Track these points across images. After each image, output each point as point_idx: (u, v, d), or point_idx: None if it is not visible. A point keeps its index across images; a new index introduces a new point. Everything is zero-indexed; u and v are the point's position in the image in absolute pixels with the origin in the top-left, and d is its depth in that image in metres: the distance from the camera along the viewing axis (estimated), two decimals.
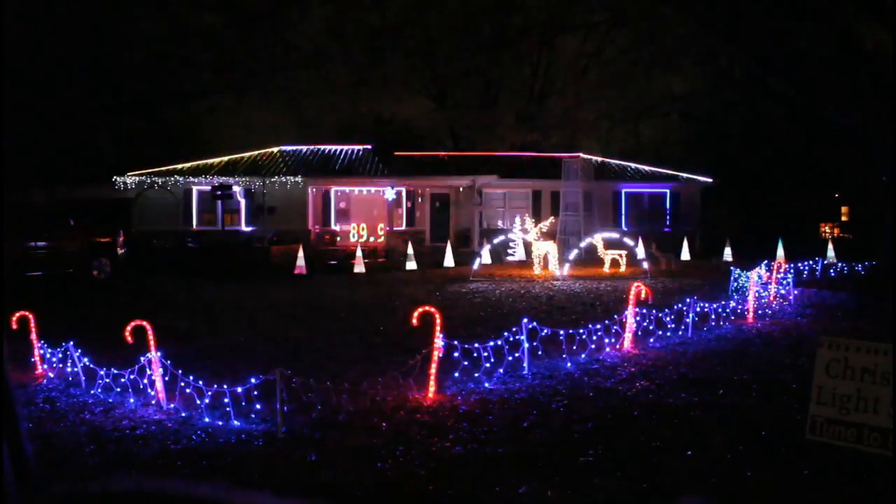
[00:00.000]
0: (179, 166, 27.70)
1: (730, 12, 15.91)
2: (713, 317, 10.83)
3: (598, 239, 19.92)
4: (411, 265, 20.68)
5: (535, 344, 8.24)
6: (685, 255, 24.13)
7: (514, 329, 8.08)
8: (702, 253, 25.63)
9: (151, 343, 6.88)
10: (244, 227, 26.68)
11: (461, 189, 27.94)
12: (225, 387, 6.30)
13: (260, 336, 10.50)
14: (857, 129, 17.40)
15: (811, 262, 17.32)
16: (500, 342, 7.87)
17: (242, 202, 26.69)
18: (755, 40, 16.03)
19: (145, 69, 20.87)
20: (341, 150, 30.30)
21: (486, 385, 7.35)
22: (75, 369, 7.64)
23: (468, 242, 26.88)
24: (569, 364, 8.25)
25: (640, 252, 19.48)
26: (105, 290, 16.59)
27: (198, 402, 6.42)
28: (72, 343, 7.77)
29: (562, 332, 8.48)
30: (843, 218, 38.18)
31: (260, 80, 25.09)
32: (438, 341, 7.08)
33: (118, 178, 26.43)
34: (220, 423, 6.16)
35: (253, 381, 6.29)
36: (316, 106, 34.47)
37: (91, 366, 7.44)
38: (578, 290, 15.51)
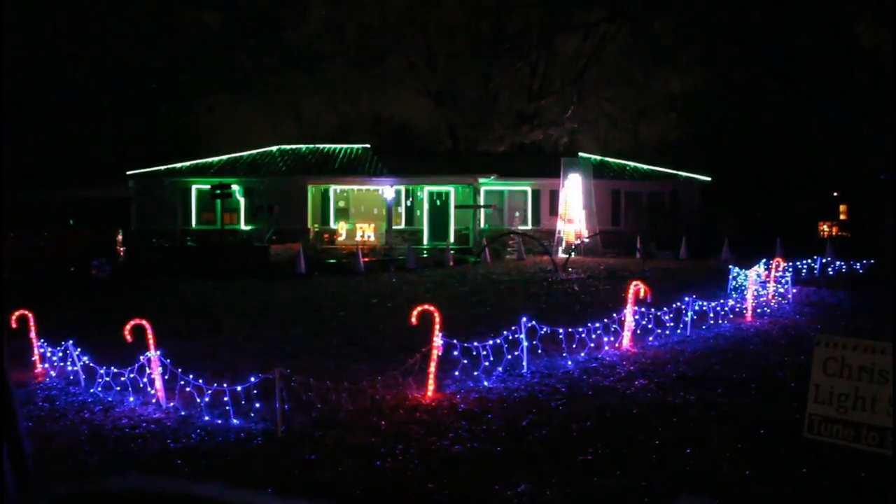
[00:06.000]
0: (178, 165, 27.70)
1: (728, 11, 15.92)
2: (712, 315, 10.84)
3: (596, 238, 19.93)
4: (410, 264, 20.68)
5: (534, 342, 8.25)
6: (684, 253, 24.13)
7: (513, 327, 8.09)
8: (700, 252, 25.63)
9: (151, 342, 6.89)
10: (243, 226, 26.68)
11: (460, 188, 27.93)
12: (224, 386, 6.31)
13: (259, 335, 10.50)
14: (855, 127, 17.41)
15: (809, 261, 17.32)
16: (499, 341, 7.88)
17: (242, 201, 26.69)
18: (754, 39, 16.03)
19: (144, 68, 20.88)
20: (340, 149, 30.31)
21: (486, 384, 7.36)
22: (75, 368, 7.64)
23: (467, 241, 26.88)
24: (568, 362, 8.26)
25: (639, 251, 19.50)
26: (104, 289, 16.58)
27: (197, 400, 6.43)
28: (71, 342, 7.77)
29: (561, 331, 8.49)
30: (842, 217, 38.20)
31: (259, 79, 25.08)
32: (437, 340, 7.09)
33: (117, 178, 26.41)
34: (220, 421, 6.17)
35: (252, 379, 6.30)
36: (315, 105, 34.49)
37: (91, 364, 7.45)
38: (578, 289, 15.52)
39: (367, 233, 27.92)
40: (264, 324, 11.55)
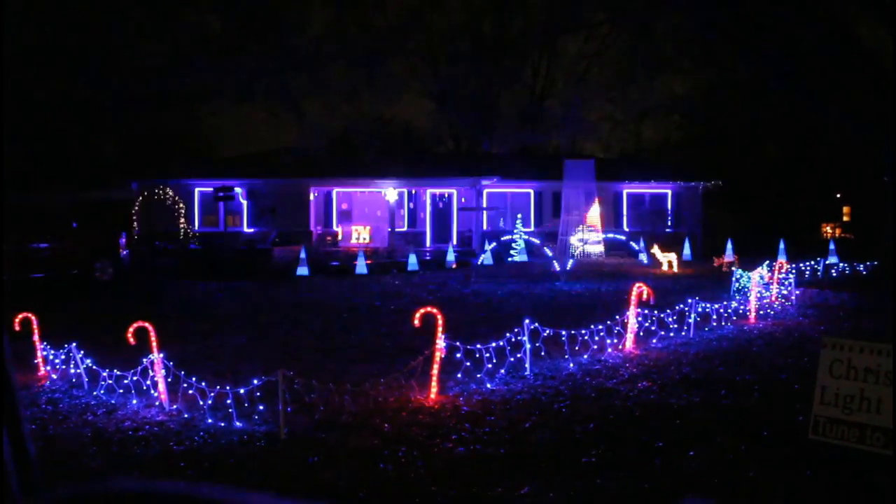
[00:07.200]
0: (182, 167, 27.75)
1: (729, 12, 15.91)
2: (715, 317, 10.82)
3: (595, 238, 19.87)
4: (413, 266, 20.67)
5: (536, 344, 8.24)
6: (687, 255, 24.11)
7: (515, 329, 8.08)
8: (703, 253, 25.60)
9: (154, 344, 6.89)
10: (246, 229, 26.72)
11: (462, 191, 27.94)
12: (227, 388, 6.30)
13: (262, 337, 10.51)
14: (857, 128, 17.38)
15: (813, 263, 17.29)
16: (502, 343, 7.86)
17: (244, 203, 26.74)
18: (755, 40, 16.03)
19: (147, 70, 20.96)
20: (343, 151, 30.32)
21: (488, 386, 7.35)
22: (78, 371, 7.64)
23: (470, 243, 26.88)
24: (571, 365, 8.25)
25: (642, 252, 19.48)
26: (107, 291, 16.61)
27: (200, 403, 6.43)
28: (74, 344, 7.77)
29: (564, 333, 8.47)
30: (845, 218, 38.15)
31: (261, 81, 25.16)
32: (440, 342, 7.08)
33: (121, 180, 26.48)
34: (223, 424, 6.17)
35: (255, 382, 6.30)
36: (317, 106, 34.58)
37: (94, 367, 7.45)
38: (580, 290, 15.51)
39: (368, 235, 27.93)
40: (267, 326, 11.56)
